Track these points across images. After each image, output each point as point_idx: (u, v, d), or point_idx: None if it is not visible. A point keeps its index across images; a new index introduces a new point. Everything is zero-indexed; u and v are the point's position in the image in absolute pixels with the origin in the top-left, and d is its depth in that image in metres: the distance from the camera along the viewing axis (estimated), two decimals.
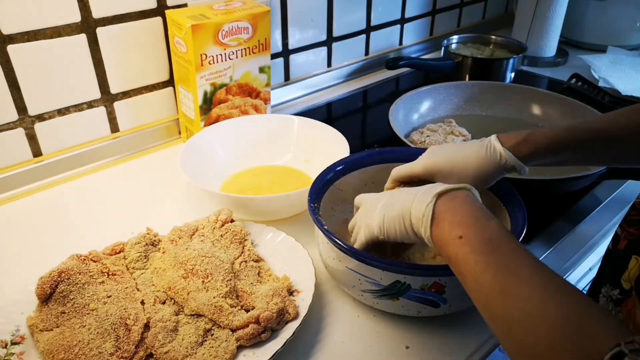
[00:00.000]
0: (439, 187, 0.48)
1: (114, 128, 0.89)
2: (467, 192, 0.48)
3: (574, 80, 1.17)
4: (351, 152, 0.75)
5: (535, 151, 0.55)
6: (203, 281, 0.57)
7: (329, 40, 1.15)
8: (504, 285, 0.38)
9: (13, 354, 0.51)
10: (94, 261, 0.59)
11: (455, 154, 0.58)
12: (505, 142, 0.56)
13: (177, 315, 0.55)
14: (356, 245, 0.55)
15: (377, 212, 0.52)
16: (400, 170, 0.61)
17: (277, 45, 1.05)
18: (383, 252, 0.61)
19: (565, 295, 0.36)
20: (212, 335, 0.54)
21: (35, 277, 0.55)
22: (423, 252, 0.63)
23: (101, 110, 0.86)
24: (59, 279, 0.55)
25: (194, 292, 0.56)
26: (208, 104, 0.87)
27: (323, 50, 1.15)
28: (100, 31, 0.80)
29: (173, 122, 0.95)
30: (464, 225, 0.44)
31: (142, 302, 0.56)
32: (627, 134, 0.53)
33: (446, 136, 0.92)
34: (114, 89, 0.86)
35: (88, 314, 0.54)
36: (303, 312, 0.56)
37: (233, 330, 0.54)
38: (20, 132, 0.79)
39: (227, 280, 0.57)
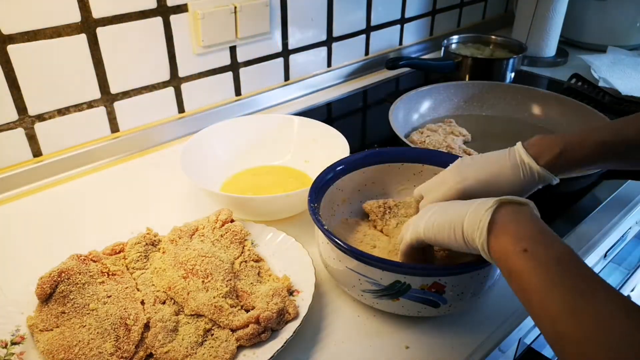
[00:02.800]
0: (501, 197, 0.46)
1: (114, 128, 0.89)
2: (531, 208, 0.46)
3: (574, 80, 1.17)
4: (351, 152, 0.75)
5: (570, 167, 0.54)
6: (203, 281, 0.57)
7: (329, 40, 1.15)
8: (578, 306, 0.36)
9: (13, 354, 0.51)
10: (94, 261, 0.59)
11: (489, 176, 0.55)
12: (539, 159, 0.53)
13: (177, 315, 0.55)
14: (401, 245, 0.54)
15: (427, 215, 0.51)
16: (430, 197, 0.58)
17: (277, 45, 1.05)
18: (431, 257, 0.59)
19: None
20: (212, 335, 0.54)
21: (35, 277, 0.55)
22: None
23: (101, 110, 0.86)
24: (59, 279, 0.55)
25: (194, 292, 0.56)
26: None
27: (323, 50, 1.15)
28: (100, 31, 0.80)
29: (173, 121, 0.95)
30: (530, 240, 0.42)
31: (142, 302, 0.56)
32: None
33: (446, 136, 0.92)
34: (114, 89, 0.86)
35: (88, 314, 0.54)
36: (303, 312, 0.56)
37: (233, 330, 0.54)
38: (20, 132, 0.79)
39: (227, 280, 0.57)
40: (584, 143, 0.53)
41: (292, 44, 1.08)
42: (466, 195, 0.55)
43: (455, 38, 1.27)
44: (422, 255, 0.56)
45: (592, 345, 0.34)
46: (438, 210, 0.51)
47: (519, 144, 0.55)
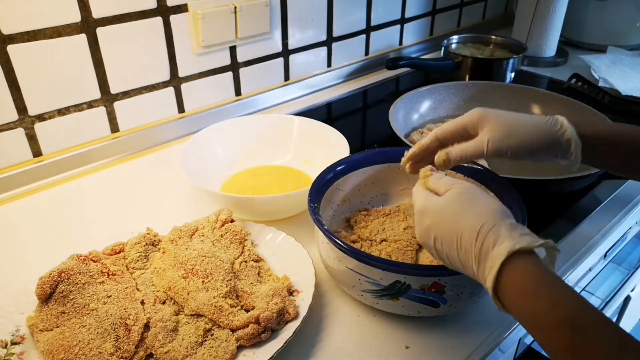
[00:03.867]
0: (504, 246, 0.42)
1: (114, 128, 0.89)
2: (533, 258, 0.42)
3: (574, 80, 1.17)
4: (351, 152, 0.75)
5: (595, 134, 0.52)
6: (203, 281, 0.57)
7: (329, 40, 1.15)
8: None
9: (13, 354, 0.51)
10: (94, 261, 0.59)
11: (512, 114, 0.54)
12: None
13: (177, 315, 0.55)
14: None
15: (431, 233, 0.47)
16: (447, 127, 0.56)
17: (277, 45, 1.05)
18: None
19: None
20: (212, 335, 0.54)
21: (35, 277, 0.55)
22: None
23: (101, 110, 0.86)
24: (59, 279, 0.55)
25: (194, 292, 0.56)
26: None
27: (323, 50, 1.15)
28: (100, 31, 0.80)
29: (173, 121, 0.95)
30: (537, 305, 0.39)
31: (142, 302, 0.56)
32: None
33: None
34: (114, 89, 0.86)
35: (88, 314, 0.54)
36: (303, 312, 0.56)
37: (233, 330, 0.54)
38: (20, 132, 0.79)
39: (227, 280, 0.57)
40: (608, 126, 0.54)
41: (292, 44, 1.08)
42: (483, 118, 0.53)
43: (455, 38, 1.27)
44: None
45: None
46: (438, 225, 0.47)
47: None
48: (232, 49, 0.98)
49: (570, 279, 0.68)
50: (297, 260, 0.63)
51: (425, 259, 0.62)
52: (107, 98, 0.85)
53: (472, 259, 0.44)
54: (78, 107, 0.83)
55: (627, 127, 0.54)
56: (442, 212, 0.47)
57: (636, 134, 0.53)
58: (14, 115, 0.77)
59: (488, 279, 0.42)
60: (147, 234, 0.64)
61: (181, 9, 0.88)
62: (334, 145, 0.80)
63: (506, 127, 0.52)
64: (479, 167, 0.67)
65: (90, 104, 0.84)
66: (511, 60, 1.16)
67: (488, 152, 0.52)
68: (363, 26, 1.21)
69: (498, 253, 0.42)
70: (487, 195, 0.49)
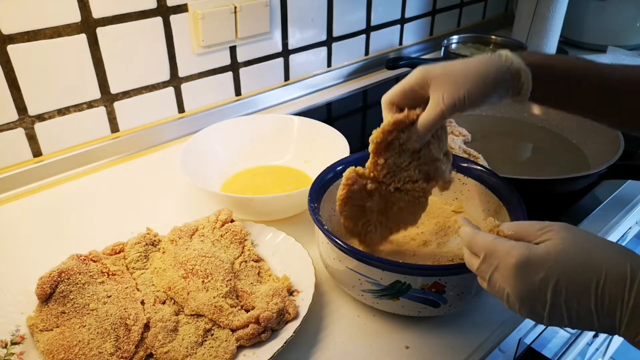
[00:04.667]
0: None
1: (114, 128, 0.89)
2: None
3: None
4: (351, 152, 0.75)
5: (544, 63, 0.50)
6: (203, 281, 0.57)
7: (329, 40, 1.15)
8: None
9: (13, 354, 0.51)
10: (94, 261, 0.59)
11: (454, 62, 0.52)
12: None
13: (177, 315, 0.55)
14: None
15: (549, 286, 0.40)
16: (393, 91, 0.54)
17: (277, 45, 1.05)
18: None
19: None
20: (212, 335, 0.54)
21: (35, 277, 0.55)
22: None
23: (101, 110, 0.86)
24: (59, 279, 0.55)
25: (194, 292, 0.56)
26: None
27: (323, 50, 1.15)
28: (100, 31, 0.80)
29: (173, 121, 0.95)
30: None
31: (142, 302, 0.56)
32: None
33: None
34: (114, 89, 0.86)
35: (88, 314, 0.54)
36: (303, 312, 0.56)
37: (233, 330, 0.54)
38: (20, 132, 0.79)
39: (227, 280, 0.57)
40: (559, 57, 0.53)
41: (292, 44, 1.08)
42: (426, 78, 0.51)
43: (455, 38, 1.27)
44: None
45: None
46: (568, 268, 0.40)
47: None
48: (232, 49, 0.98)
49: None
50: (297, 260, 0.63)
51: (426, 259, 0.62)
52: (107, 98, 0.85)
53: (620, 306, 0.38)
54: (78, 107, 0.83)
55: (581, 60, 0.53)
56: (564, 258, 0.40)
57: (587, 67, 0.52)
58: (14, 115, 0.77)
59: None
60: (147, 234, 0.64)
61: (181, 9, 0.88)
62: (334, 145, 0.80)
63: (455, 75, 0.50)
64: (479, 168, 0.67)
65: (90, 104, 0.84)
66: None
67: (446, 107, 0.50)
68: (363, 26, 1.21)
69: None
70: None
